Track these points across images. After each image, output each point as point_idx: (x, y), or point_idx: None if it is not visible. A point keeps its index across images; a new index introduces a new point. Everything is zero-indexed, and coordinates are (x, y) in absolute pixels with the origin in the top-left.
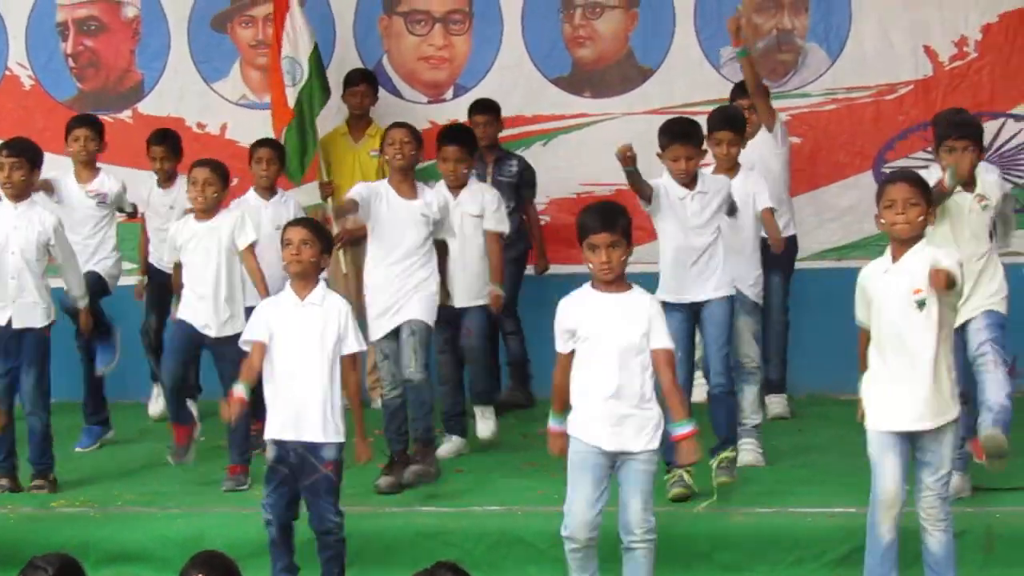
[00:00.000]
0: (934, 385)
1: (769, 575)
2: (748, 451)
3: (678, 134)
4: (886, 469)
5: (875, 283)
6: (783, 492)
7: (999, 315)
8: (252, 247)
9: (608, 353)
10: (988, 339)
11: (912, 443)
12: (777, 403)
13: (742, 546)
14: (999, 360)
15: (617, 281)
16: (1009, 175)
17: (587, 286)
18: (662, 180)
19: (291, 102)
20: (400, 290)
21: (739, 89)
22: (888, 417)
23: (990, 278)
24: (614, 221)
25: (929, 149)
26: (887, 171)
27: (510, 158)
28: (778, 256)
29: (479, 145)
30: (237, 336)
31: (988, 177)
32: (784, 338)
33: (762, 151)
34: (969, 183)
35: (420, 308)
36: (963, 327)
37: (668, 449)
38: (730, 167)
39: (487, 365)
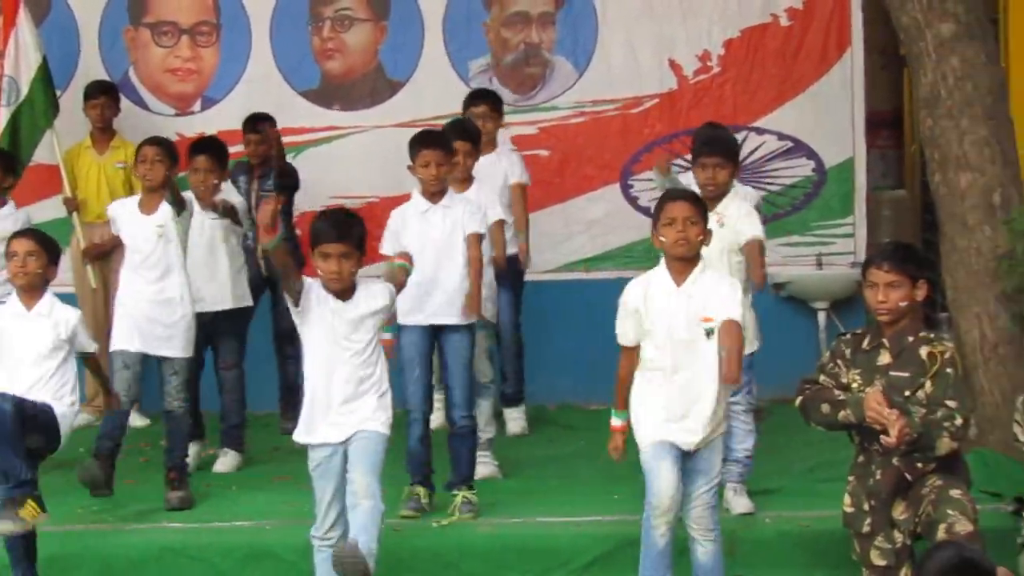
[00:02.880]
0: (712, 407)
1: None
2: (483, 464)
3: (428, 140)
4: (661, 475)
5: (655, 303)
6: (530, 502)
7: (749, 355)
8: None
9: (333, 354)
10: (741, 383)
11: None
12: (516, 419)
13: (489, 556)
14: (749, 408)
15: (344, 292)
16: (755, 187)
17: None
18: (402, 206)
19: (2, 123)
20: (152, 310)
21: (473, 97)
22: (664, 432)
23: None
24: (348, 231)
25: (687, 158)
26: (632, 183)
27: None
28: (505, 273)
29: (269, 154)
30: None
31: (741, 189)
32: (520, 355)
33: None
34: (710, 201)
35: (180, 344)
36: None
37: (410, 462)
38: (465, 179)
39: (242, 399)
